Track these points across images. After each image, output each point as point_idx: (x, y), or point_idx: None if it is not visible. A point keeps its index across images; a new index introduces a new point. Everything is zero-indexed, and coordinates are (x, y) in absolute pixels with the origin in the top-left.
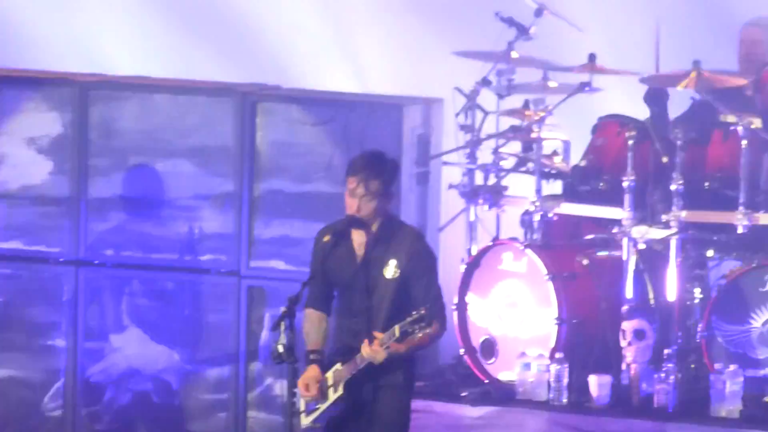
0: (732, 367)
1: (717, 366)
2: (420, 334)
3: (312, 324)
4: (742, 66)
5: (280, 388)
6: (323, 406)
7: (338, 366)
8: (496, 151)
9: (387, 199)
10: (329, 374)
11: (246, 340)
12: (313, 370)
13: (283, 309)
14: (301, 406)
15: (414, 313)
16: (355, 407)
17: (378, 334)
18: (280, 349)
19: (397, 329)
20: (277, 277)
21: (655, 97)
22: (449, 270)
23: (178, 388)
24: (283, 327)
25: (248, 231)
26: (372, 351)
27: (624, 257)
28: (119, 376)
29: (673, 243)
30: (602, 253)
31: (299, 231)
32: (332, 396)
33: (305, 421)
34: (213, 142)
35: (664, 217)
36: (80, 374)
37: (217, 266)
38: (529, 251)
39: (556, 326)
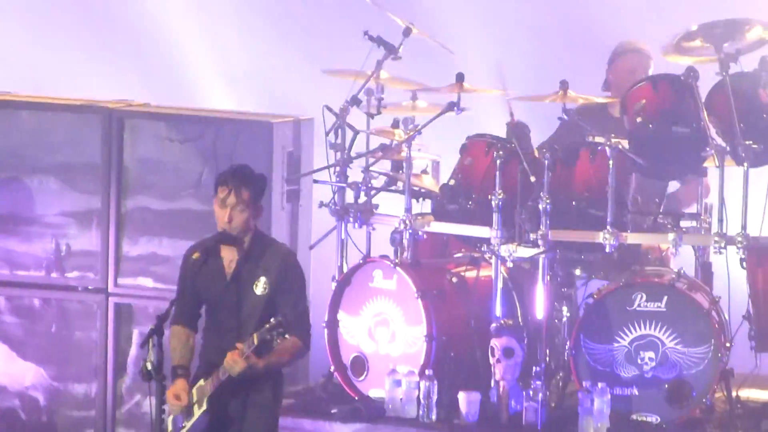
0: (600, 385)
1: (585, 384)
2: (279, 341)
3: (179, 340)
4: (614, 93)
5: (148, 405)
6: (189, 424)
7: (201, 382)
8: (366, 170)
9: (257, 212)
10: (193, 391)
11: (114, 357)
12: (181, 383)
13: (151, 326)
14: (169, 425)
15: (272, 320)
16: (221, 424)
17: (239, 345)
18: (149, 366)
19: (255, 337)
20: (145, 295)
21: (517, 131)
22: (320, 288)
23: (45, 405)
24: (151, 344)
25: (116, 248)
26: (231, 361)
27: (493, 276)
28: None
29: (541, 261)
30: (471, 272)
31: (167, 249)
32: (197, 412)
33: None
34: (80, 159)
35: (532, 236)
36: None
37: (84, 283)
38: (399, 269)
39: (426, 343)
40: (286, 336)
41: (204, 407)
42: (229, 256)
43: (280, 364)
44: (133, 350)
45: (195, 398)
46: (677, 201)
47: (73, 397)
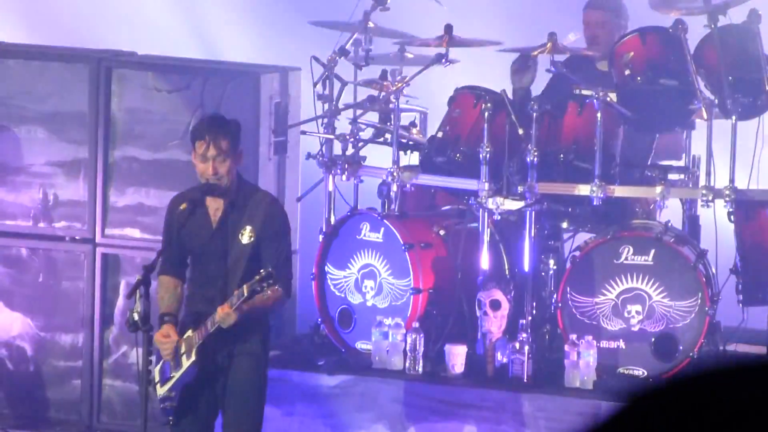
0: (586, 338)
1: (572, 337)
2: (269, 292)
3: (167, 290)
4: (589, 47)
5: (135, 356)
6: (177, 375)
7: (189, 332)
8: (354, 122)
9: (238, 158)
10: (181, 341)
11: (101, 308)
12: (168, 327)
13: (138, 277)
14: (156, 376)
15: (261, 271)
16: (209, 374)
17: (232, 296)
18: (136, 316)
19: (246, 288)
20: (132, 245)
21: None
22: (308, 240)
23: (32, 355)
24: (138, 295)
25: (103, 198)
26: (224, 314)
27: (480, 228)
28: None
29: (528, 214)
30: (458, 224)
31: (154, 199)
32: (185, 363)
33: (160, 390)
34: (67, 109)
35: (519, 189)
36: None
37: (71, 233)
38: (386, 221)
39: (412, 296)
40: (276, 287)
41: (193, 358)
42: (214, 205)
43: (263, 311)
44: (120, 301)
45: (183, 349)
46: (663, 149)
47: (61, 347)
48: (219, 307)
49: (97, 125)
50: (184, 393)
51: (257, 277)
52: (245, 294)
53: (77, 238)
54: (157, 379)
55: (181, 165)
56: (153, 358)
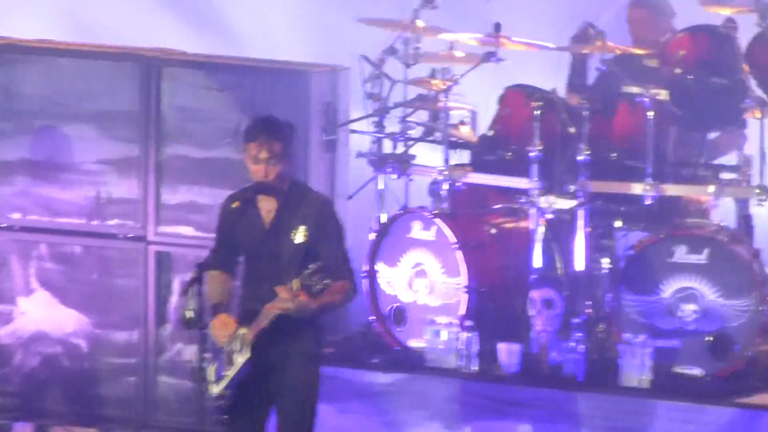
0: (641, 337)
1: (626, 336)
2: (320, 286)
3: (217, 283)
4: (635, 44)
5: (190, 353)
6: (230, 373)
7: (243, 330)
8: (403, 120)
9: (290, 161)
10: (235, 339)
11: (155, 305)
12: (225, 315)
13: (191, 274)
14: (210, 375)
15: (311, 266)
16: (263, 373)
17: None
18: (189, 314)
19: (295, 282)
20: (184, 243)
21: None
22: (358, 238)
23: (87, 352)
24: (191, 293)
25: (155, 196)
26: (283, 300)
27: (531, 227)
28: (28, 339)
29: (581, 213)
30: (510, 223)
31: (206, 197)
32: (240, 360)
33: (214, 389)
34: (118, 107)
35: (570, 188)
36: None
37: (124, 231)
38: (437, 220)
39: (465, 294)
40: (327, 281)
41: (247, 355)
42: (266, 206)
43: (333, 305)
44: (174, 298)
45: (237, 346)
46: (716, 148)
47: (115, 344)
48: (280, 290)
49: (147, 123)
50: (238, 391)
51: (306, 272)
52: (294, 288)
53: (130, 235)
54: (212, 378)
55: (233, 163)
56: (208, 355)
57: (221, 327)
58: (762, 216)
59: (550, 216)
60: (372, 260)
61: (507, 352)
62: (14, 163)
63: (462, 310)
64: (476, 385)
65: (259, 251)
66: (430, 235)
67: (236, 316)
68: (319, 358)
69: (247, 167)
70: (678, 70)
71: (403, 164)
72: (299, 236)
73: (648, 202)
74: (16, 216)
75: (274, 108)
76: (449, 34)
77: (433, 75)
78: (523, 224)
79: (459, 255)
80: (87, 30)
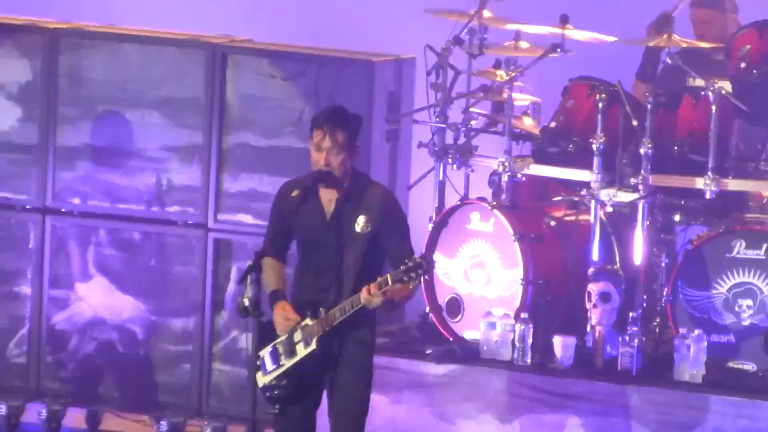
0: (696, 332)
1: (681, 330)
2: (413, 284)
3: (274, 270)
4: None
5: (245, 341)
6: (289, 363)
7: (308, 321)
8: (466, 111)
9: (353, 153)
10: (297, 330)
11: (213, 293)
12: (287, 304)
13: (249, 263)
14: (267, 362)
15: (407, 261)
16: (319, 362)
17: (381, 279)
18: (246, 302)
19: (389, 278)
20: (244, 231)
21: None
22: (417, 228)
23: (143, 339)
24: (249, 281)
25: (216, 184)
26: (370, 295)
27: (591, 220)
28: (84, 325)
29: (641, 207)
30: (570, 215)
31: (267, 185)
32: (302, 351)
33: (264, 379)
34: (183, 94)
35: (632, 181)
36: (45, 322)
37: (184, 218)
38: (496, 211)
39: (522, 287)
40: (415, 278)
41: (313, 347)
42: (327, 195)
43: (408, 297)
44: (232, 286)
45: (299, 337)
46: None
47: (171, 332)
48: (367, 291)
49: (211, 111)
50: (294, 381)
51: (403, 267)
52: (389, 283)
53: (190, 223)
54: (269, 367)
55: (296, 152)
56: (264, 345)
57: (284, 316)
58: None
59: (610, 209)
60: (430, 251)
61: (562, 345)
62: (77, 149)
63: (518, 302)
64: (530, 378)
65: (319, 242)
66: (488, 226)
67: (293, 306)
68: (373, 347)
69: (310, 155)
70: (743, 65)
71: (464, 155)
72: (361, 226)
73: (708, 196)
74: (76, 201)
75: (338, 97)
76: (516, 24)
77: (497, 66)
78: (582, 217)
79: (517, 247)
80: (153, 16)
